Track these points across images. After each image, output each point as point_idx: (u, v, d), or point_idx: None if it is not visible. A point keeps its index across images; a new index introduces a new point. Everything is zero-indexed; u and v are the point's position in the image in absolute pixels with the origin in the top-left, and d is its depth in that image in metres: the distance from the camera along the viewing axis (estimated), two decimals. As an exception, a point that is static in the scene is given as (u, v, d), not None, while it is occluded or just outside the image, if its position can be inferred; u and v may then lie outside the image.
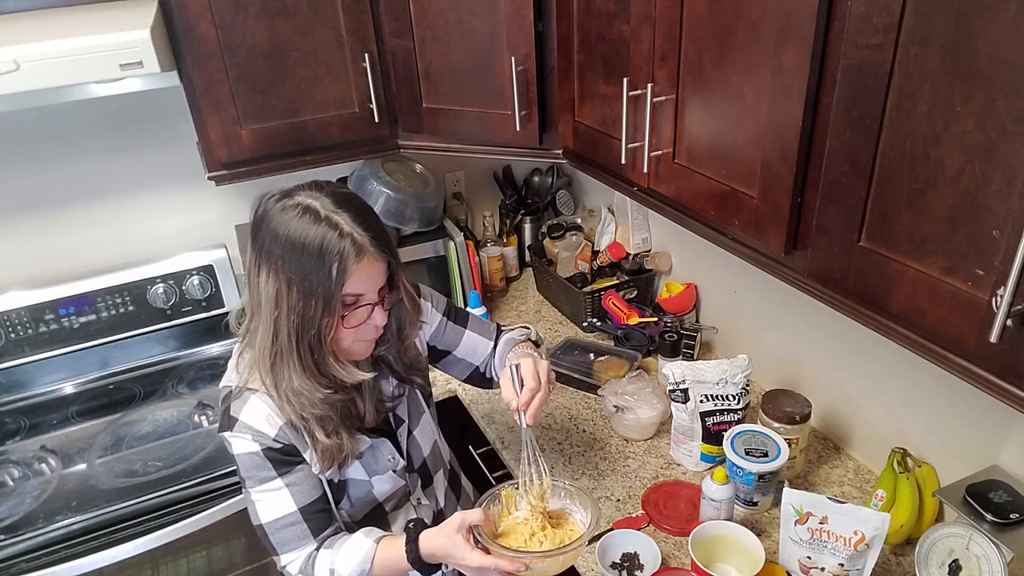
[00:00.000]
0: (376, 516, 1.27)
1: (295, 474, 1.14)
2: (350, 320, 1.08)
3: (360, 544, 1.13)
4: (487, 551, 1.07)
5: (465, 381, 1.43)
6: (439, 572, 1.15)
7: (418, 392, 1.33)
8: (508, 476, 1.66)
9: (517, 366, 1.16)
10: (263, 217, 1.05)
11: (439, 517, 1.35)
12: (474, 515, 1.08)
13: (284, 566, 1.16)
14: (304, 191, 1.07)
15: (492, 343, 1.39)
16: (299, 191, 1.07)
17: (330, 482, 1.19)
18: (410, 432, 1.30)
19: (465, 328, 1.38)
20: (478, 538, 1.08)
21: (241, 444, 1.12)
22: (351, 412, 1.20)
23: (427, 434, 1.35)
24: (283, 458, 1.13)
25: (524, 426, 1.15)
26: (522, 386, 1.15)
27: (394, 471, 1.26)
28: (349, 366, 1.13)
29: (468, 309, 1.65)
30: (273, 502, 1.13)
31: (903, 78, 0.83)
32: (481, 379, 1.42)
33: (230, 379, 1.17)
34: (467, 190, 2.41)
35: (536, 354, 1.28)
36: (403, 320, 1.22)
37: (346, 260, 1.02)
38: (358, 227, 1.04)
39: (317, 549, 1.15)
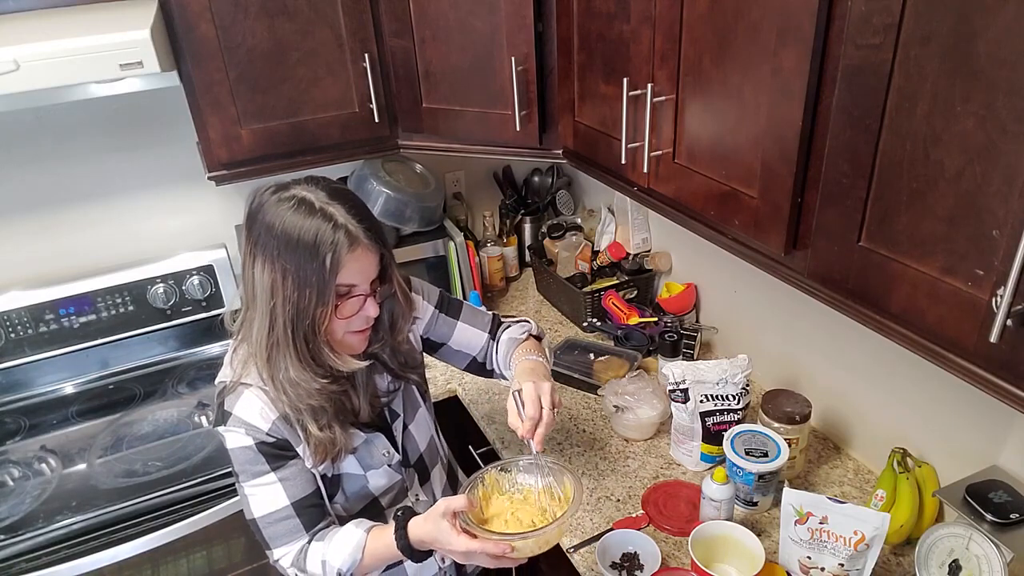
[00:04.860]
0: (373, 511, 1.27)
1: (288, 468, 1.15)
2: (343, 310, 1.09)
3: (351, 534, 1.14)
4: (473, 536, 1.07)
5: (465, 370, 1.43)
6: (430, 558, 1.15)
7: (414, 387, 1.34)
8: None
9: (519, 391, 1.16)
10: (258, 209, 1.07)
11: None
12: (458, 501, 1.08)
13: (277, 560, 1.17)
14: (299, 184, 1.09)
15: (487, 334, 1.39)
16: (294, 184, 1.09)
17: (324, 476, 1.20)
18: (405, 427, 1.31)
19: (457, 320, 1.37)
20: (464, 523, 1.09)
21: (234, 438, 1.12)
22: (345, 406, 1.20)
23: (423, 429, 1.35)
24: (276, 452, 1.14)
25: (534, 452, 1.15)
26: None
27: (389, 465, 1.26)
28: (344, 355, 1.14)
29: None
30: (266, 496, 1.14)
31: (903, 78, 0.83)
32: (481, 369, 1.41)
33: (225, 375, 1.18)
34: (467, 190, 2.41)
35: (541, 359, 1.29)
36: (395, 314, 1.23)
37: (339, 251, 1.03)
38: (352, 219, 1.06)
39: (309, 542, 1.16)
